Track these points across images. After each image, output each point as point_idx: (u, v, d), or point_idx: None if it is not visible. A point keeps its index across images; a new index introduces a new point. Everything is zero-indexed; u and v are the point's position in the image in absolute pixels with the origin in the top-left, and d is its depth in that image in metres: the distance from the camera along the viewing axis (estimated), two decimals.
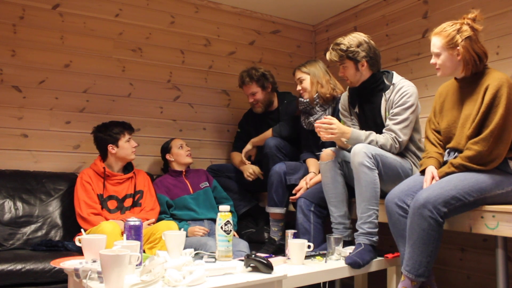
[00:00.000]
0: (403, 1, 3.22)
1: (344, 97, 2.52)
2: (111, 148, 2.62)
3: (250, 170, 2.96)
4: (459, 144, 1.99)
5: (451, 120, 2.05)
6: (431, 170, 1.99)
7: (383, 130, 2.28)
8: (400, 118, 2.23)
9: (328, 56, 2.37)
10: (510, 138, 1.88)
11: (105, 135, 2.63)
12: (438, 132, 2.14)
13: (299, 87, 2.77)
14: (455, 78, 2.09)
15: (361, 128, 2.42)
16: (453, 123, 2.04)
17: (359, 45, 2.30)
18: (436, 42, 1.99)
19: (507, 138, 1.87)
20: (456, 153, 2.01)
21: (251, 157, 3.09)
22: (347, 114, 2.49)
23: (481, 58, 1.95)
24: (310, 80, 2.72)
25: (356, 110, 2.44)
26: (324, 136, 2.24)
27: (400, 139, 2.23)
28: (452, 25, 1.97)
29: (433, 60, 2.03)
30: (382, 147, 2.22)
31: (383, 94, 2.31)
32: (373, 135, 2.25)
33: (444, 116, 2.10)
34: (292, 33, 3.96)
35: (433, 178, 1.95)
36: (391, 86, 2.30)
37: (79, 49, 3.01)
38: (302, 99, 2.76)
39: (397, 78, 2.34)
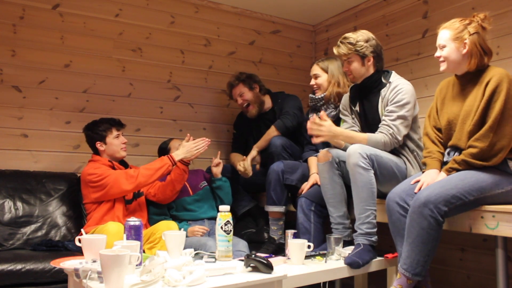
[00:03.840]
0: (403, 1, 3.22)
1: (345, 97, 2.52)
2: (99, 145, 2.60)
3: (241, 163, 2.93)
4: (460, 140, 1.99)
5: (451, 117, 2.05)
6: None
7: (379, 125, 2.28)
8: (395, 115, 2.23)
9: (336, 50, 2.36)
10: (511, 132, 1.88)
11: (93, 133, 2.62)
12: (439, 129, 2.14)
13: (313, 82, 2.74)
14: (456, 76, 2.09)
15: (362, 126, 2.43)
16: (453, 120, 2.05)
17: (367, 40, 2.31)
18: (444, 34, 2.02)
19: (508, 132, 1.87)
20: (456, 153, 2.01)
21: (255, 166, 3.04)
22: (347, 113, 2.49)
23: (487, 54, 1.97)
24: (327, 79, 2.70)
25: (357, 108, 2.44)
26: (314, 134, 2.23)
27: (398, 134, 2.23)
28: (461, 20, 2.00)
29: (437, 53, 2.04)
30: (383, 146, 2.22)
31: (380, 92, 2.32)
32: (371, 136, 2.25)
33: (444, 113, 2.10)
34: (292, 33, 3.96)
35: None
36: (388, 84, 2.31)
37: (79, 49, 3.01)
38: (314, 96, 2.74)
39: (394, 77, 2.35)
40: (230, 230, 1.81)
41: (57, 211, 2.62)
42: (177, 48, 3.39)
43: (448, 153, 2.07)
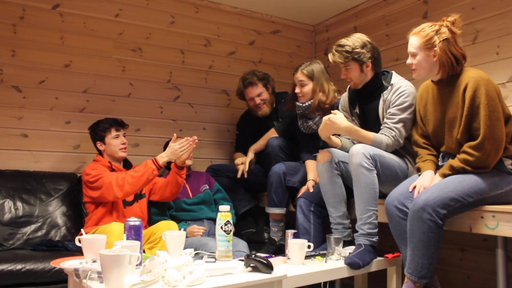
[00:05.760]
0: (403, 1, 3.22)
1: (344, 98, 2.51)
2: (99, 145, 2.62)
3: (240, 160, 2.99)
4: (451, 149, 2.01)
5: (436, 125, 2.06)
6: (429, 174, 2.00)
7: (381, 128, 2.27)
8: (397, 118, 2.22)
9: (331, 58, 2.32)
10: (502, 134, 1.87)
11: (94, 133, 2.64)
12: (427, 136, 2.14)
13: (298, 90, 2.66)
14: (432, 80, 2.08)
15: (361, 128, 2.42)
16: (438, 127, 2.05)
17: (363, 46, 2.27)
18: (414, 42, 2.00)
19: (499, 135, 1.86)
20: (450, 157, 2.02)
21: (249, 166, 3.03)
22: (347, 115, 2.48)
23: (459, 61, 1.95)
24: (312, 87, 2.63)
25: (357, 110, 2.44)
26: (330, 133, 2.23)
27: (399, 137, 2.23)
28: (431, 26, 1.98)
29: (409, 60, 2.03)
30: (386, 148, 2.22)
31: (381, 94, 2.31)
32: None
33: (429, 120, 2.10)
34: (292, 33, 3.96)
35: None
36: (389, 87, 2.29)
37: (79, 49, 3.01)
38: (300, 104, 2.67)
39: (395, 78, 2.33)
40: (230, 230, 1.81)
41: (57, 211, 2.62)
42: (177, 48, 3.39)
43: (443, 157, 2.07)
